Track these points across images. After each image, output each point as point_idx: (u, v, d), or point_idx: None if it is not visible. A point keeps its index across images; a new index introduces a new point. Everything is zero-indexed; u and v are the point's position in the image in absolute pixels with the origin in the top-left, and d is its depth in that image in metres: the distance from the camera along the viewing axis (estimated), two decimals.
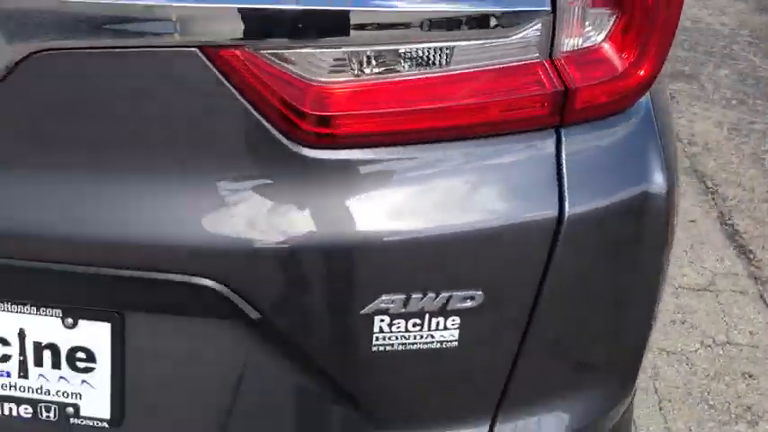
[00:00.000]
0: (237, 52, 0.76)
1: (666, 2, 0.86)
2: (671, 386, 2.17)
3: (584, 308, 0.95)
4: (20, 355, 0.94)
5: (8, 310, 0.92)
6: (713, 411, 2.10)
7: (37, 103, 0.81)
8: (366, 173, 0.83)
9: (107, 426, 0.95)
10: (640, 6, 0.85)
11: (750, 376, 2.20)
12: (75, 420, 0.95)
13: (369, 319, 0.86)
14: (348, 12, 0.77)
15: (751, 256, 2.73)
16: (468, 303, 0.87)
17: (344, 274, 0.85)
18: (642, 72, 0.88)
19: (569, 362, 0.99)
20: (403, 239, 0.85)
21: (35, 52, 0.76)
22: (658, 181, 0.91)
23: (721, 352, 2.30)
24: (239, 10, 0.75)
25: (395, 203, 0.84)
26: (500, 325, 0.91)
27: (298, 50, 0.78)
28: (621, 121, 0.91)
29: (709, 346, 2.37)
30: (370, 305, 0.85)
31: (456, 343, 0.89)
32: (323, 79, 0.80)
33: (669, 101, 1.25)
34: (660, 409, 2.09)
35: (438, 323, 0.88)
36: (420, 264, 0.85)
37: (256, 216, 0.83)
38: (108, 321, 0.91)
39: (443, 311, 0.87)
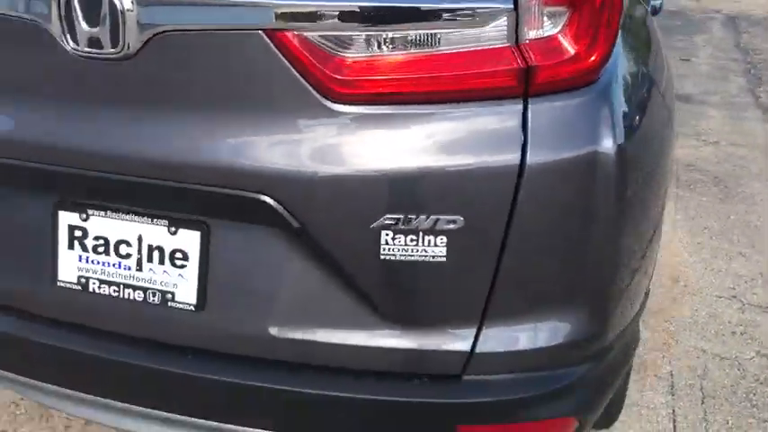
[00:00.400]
0: (289, 34, 1.12)
1: (610, 3, 1.14)
2: (717, 385, 2.30)
3: (545, 243, 1.21)
4: (138, 254, 1.32)
5: (132, 221, 1.31)
6: (755, 410, 2.21)
7: (159, 68, 1.20)
8: (376, 123, 1.16)
9: (193, 309, 1.31)
10: (588, 6, 1.13)
11: None
12: (172, 304, 1.32)
13: (377, 233, 1.18)
14: (366, 6, 1.11)
15: None
16: (452, 226, 1.17)
17: (359, 198, 1.17)
18: (593, 57, 1.16)
19: (536, 286, 1.25)
20: (401, 173, 1.16)
21: (158, 33, 1.16)
22: (607, 144, 1.17)
23: None
24: (290, 5, 1.11)
25: (396, 146, 1.16)
26: (479, 246, 1.19)
27: (333, 33, 1.13)
28: (581, 95, 1.18)
29: (765, 355, 2.47)
30: (377, 221, 1.17)
31: (444, 258, 1.19)
32: (348, 54, 1.13)
33: (659, 83, 1.49)
34: (702, 402, 2.22)
35: (429, 240, 1.18)
36: (414, 192, 1.16)
37: (299, 152, 1.17)
38: (198, 230, 1.28)
39: (433, 230, 1.17)
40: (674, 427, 2.12)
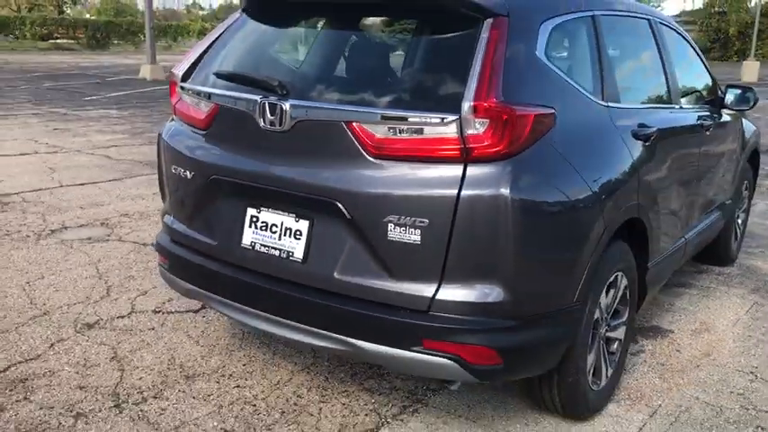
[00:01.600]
0: (354, 124, 2.37)
1: (513, 120, 2.25)
2: (692, 417, 3.02)
3: (473, 240, 2.28)
4: (279, 231, 2.60)
5: (278, 213, 2.60)
6: None
7: (298, 137, 2.52)
8: (391, 169, 2.34)
9: (300, 262, 2.54)
10: (499, 121, 2.25)
11: None
12: (291, 258, 2.56)
13: (385, 224, 2.34)
14: (386, 114, 2.33)
15: None
16: (422, 224, 2.30)
17: (379, 205, 2.34)
18: (500, 147, 2.26)
19: (471, 265, 2.30)
20: (399, 194, 2.33)
21: (298, 121, 2.48)
22: (500, 189, 2.23)
23: None
24: (355, 112, 2.38)
25: (398, 180, 2.33)
26: (437, 237, 2.30)
27: (372, 124, 2.36)
28: (494, 164, 2.27)
29: (745, 407, 3.12)
30: (386, 218, 2.33)
31: (419, 242, 2.31)
32: (378, 135, 2.36)
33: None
34: (672, 424, 2.97)
35: (411, 231, 2.31)
36: (404, 204, 2.31)
37: (354, 180, 2.39)
38: (308, 220, 2.53)
39: (413, 226, 2.30)
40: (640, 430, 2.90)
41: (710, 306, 4.29)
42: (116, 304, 3.89)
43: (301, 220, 2.55)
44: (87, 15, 64.23)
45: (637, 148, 2.92)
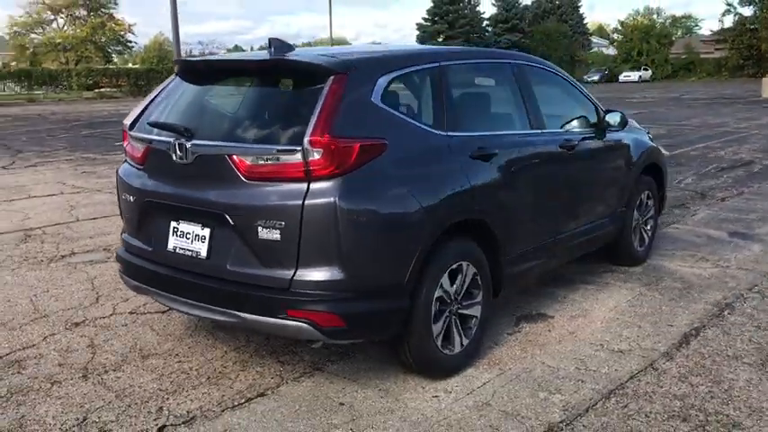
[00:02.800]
0: (234, 156, 3.31)
1: (339, 150, 3.16)
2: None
3: (313, 236, 3.17)
4: (191, 237, 3.54)
5: (190, 223, 3.53)
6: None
7: (198, 167, 3.47)
8: (263, 186, 3.27)
9: (205, 259, 3.47)
10: (329, 151, 3.16)
11: None
12: (199, 256, 3.49)
13: (256, 227, 3.27)
14: (252, 149, 3.27)
15: None
16: (281, 226, 3.19)
17: (251, 212, 3.27)
18: (331, 169, 3.16)
19: (315, 254, 3.17)
20: (263, 205, 3.25)
21: (197, 156, 3.44)
22: (328, 199, 3.12)
23: None
24: (236, 149, 3.33)
25: (258, 194, 3.26)
26: (291, 236, 3.18)
27: (248, 155, 3.30)
28: (328, 181, 3.16)
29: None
30: (256, 222, 3.26)
31: (279, 238, 3.22)
32: (250, 162, 3.29)
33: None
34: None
35: (273, 231, 3.21)
36: (265, 211, 3.22)
37: (233, 195, 3.32)
38: (210, 228, 3.46)
39: (274, 227, 3.20)
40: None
41: (599, 297, 5.06)
42: (101, 309, 4.86)
43: (205, 228, 3.48)
44: (130, 64, 67.23)
45: (473, 166, 3.78)
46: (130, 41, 67.89)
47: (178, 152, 3.46)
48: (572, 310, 4.81)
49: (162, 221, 3.65)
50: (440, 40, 64.38)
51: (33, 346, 4.25)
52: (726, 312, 4.71)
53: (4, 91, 46.94)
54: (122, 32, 65.48)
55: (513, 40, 66.38)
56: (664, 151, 7.05)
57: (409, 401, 3.53)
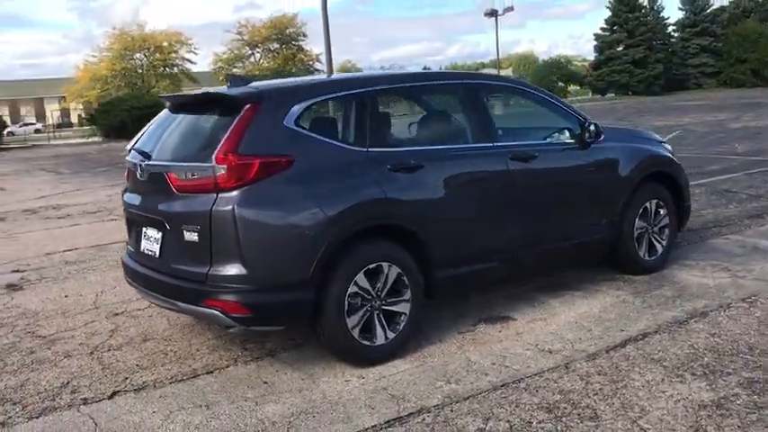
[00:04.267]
0: (171, 173, 4.09)
1: (239, 167, 3.81)
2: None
3: (222, 237, 3.84)
4: (152, 240, 4.35)
5: (152, 229, 4.35)
6: None
7: (148, 180, 4.29)
8: (186, 194, 4.00)
9: (158, 256, 4.27)
10: (230, 168, 3.82)
11: None
12: (155, 255, 4.29)
13: (181, 229, 4.01)
14: (173, 165, 4.02)
15: None
16: (197, 228, 3.92)
17: (175, 215, 4.01)
18: (232, 182, 3.82)
19: (224, 251, 3.83)
20: (184, 211, 3.98)
21: (150, 174, 4.26)
22: (228, 205, 3.78)
23: None
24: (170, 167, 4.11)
25: (176, 201, 3.99)
26: (204, 236, 3.87)
27: (178, 175, 4.06)
28: (232, 192, 3.82)
29: None
30: (178, 221, 4.01)
31: (197, 239, 3.92)
32: (176, 177, 4.04)
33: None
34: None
35: (191, 233, 3.93)
36: (185, 216, 3.95)
37: (170, 204, 4.08)
38: (161, 231, 4.25)
39: (192, 229, 3.93)
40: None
41: (576, 303, 5.21)
42: (141, 303, 5.83)
43: (159, 232, 4.27)
44: None
45: (392, 178, 4.24)
46: (318, 70, 72.36)
47: (139, 171, 4.29)
48: (539, 314, 5.03)
49: (138, 228, 4.50)
50: (619, 49, 62.03)
51: (73, 329, 5.28)
52: (693, 320, 4.71)
53: None
54: (310, 62, 70.00)
55: (703, 45, 62.29)
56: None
57: (323, 384, 4.06)
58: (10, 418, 3.84)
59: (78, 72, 60.42)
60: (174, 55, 62.64)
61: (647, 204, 5.75)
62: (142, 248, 4.43)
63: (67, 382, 4.28)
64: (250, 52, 69.42)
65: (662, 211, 5.87)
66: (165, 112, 4.70)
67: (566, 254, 5.32)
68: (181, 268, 4.05)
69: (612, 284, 5.59)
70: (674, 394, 3.65)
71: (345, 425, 3.55)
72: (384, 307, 4.29)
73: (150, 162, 4.24)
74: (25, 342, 5.07)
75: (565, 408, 3.58)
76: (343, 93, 4.39)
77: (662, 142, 6.12)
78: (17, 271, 7.43)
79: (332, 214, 3.99)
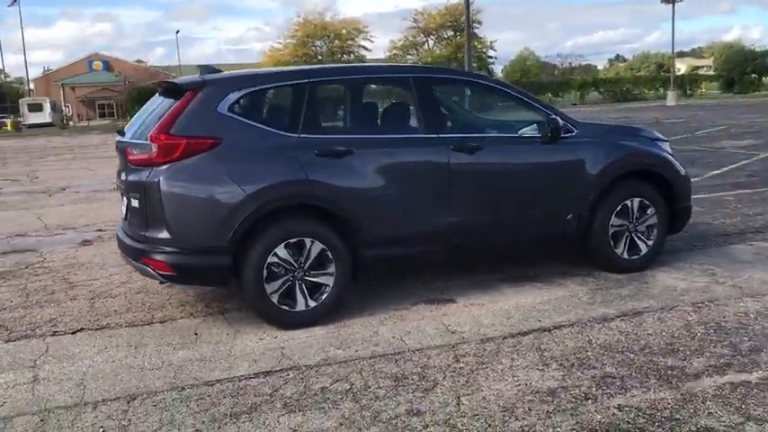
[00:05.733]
0: (128, 149, 4.83)
1: (168, 145, 4.47)
2: None
3: (152, 206, 4.51)
4: (126, 206, 5.13)
5: (125, 197, 5.14)
6: None
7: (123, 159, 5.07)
8: (133, 172, 4.72)
9: (126, 221, 5.03)
10: (159, 144, 4.48)
11: None
12: (126, 220, 5.07)
13: (130, 198, 4.74)
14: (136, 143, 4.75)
15: None
16: (138, 196, 4.63)
17: (133, 185, 4.75)
18: (163, 158, 4.47)
19: (160, 218, 4.50)
20: (135, 181, 4.70)
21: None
22: (157, 177, 4.44)
23: None
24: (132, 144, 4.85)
25: (138, 174, 4.71)
26: (142, 204, 4.57)
27: (135, 145, 4.79)
28: (162, 166, 4.49)
29: None
30: (131, 191, 4.74)
31: (138, 206, 4.65)
32: (131, 153, 4.77)
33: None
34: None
35: (136, 201, 4.67)
36: (133, 185, 4.68)
37: (126, 176, 4.83)
38: (127, 199, 5.02)
39: (136, 198, 4.66)
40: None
41: (528, 294, 5.33)
42: None
43: (125, 200, 5.02)
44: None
45: (316, 162, 4.68)
46: (490, 57, 72.09)
47: (116, 147, 5.08)
48: (481, 300, 5.24)
49: (122, 198, 5.30)
50: None
51: (96, 279, 6.26)
52: (620, 318, 4.73)
53: None
54: (484, 50, 69.89)
55: None
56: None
57: (240, 339, 4.62)
58: None
59: (264, 58, 64.86)
60: (350, 42, 65.36)
61: (628, 202, 5.69)
62: (125, 216, 5.20)
63: (54, 319, 5.18)
64: (424, 39, 70.65)
65: (649, 211, 5.78)
66: (153, 97, 5.45)
67: (521, 244, 5.46)
68: (133, 231, 4.78)
69: (579, 280, 5.63)
70: (521, 379, 3.81)
71: (222, 372, 4.09)
72: (307, 278, 4.75)
73: (120, 139, 5.00)
74: (54, 285, 6.10)
75: (412, 378, 3.88)
76: (280, 83, 4.90)
77: (656, 140, 5.98)
78: (99, 230, 8.67)
79: (250, 191, 4.52)
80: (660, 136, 6.17)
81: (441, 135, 5.12)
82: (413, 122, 5.13)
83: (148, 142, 4.52)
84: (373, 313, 5.02)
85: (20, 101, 60.36)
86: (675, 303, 4.98)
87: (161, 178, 4.45)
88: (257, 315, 4.80)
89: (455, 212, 5.14)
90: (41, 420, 3.57)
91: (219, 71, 5.14)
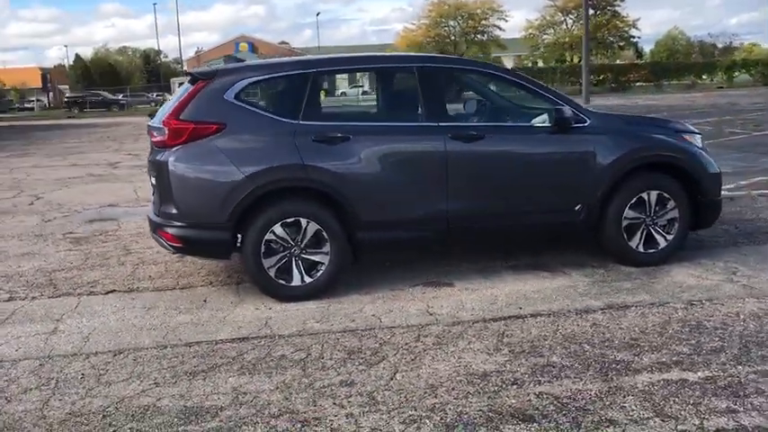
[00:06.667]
0: (152, 131, 5.38)
1: (173, 132, 4.96)
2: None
3: (174, 185, 5.02)
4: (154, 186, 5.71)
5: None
6: None
7: None
8: (156, 153, 5.26)
9: (152, 196, 5.61)
10: (170, 128, 4.98)
11: None
12: (155, 195, 5.65)
13: (153, 177, 5.29)
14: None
15: None
16: (156, 176, 5.17)
17: (151, 169, 5.29)
18: (173, 142, 4.96)
19: (168, 197, 5.04)
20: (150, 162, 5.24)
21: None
22: (165, 158, 4.95)
23: None
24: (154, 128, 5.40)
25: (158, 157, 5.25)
26: (159, 182, 5.11)
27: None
28: (172, 148, 4.99)
29: None
30: (152, 174, 5.29)
31: (156, 183, 5.19)
32: (155, 136, 5.30)
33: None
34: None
35: (155, 178, 5.21)
36: (154, 169, 5.22)
37: (152, 156, 5.38)
38: (153, 177, 5.59)
39: (154, 176, 5.20)
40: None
41: (529, 282, 5.41)
42: None
43: (153, 179, 5.58)
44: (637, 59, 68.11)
45: (312, 147, 5.01)
46: (633, 36, 68.92)
47: (147, 131, 5.66)
48: (479, 286, 5.38)
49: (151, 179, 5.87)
50: None
51: (150, 248, 6.93)
52: (603, 311, 4.74)
53: None
54: (626, 29, 66.93)
55: None
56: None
57: (240, 308, 5.06)
58: (17, 295, 5.51)
59: (398, 39, 65.60)
60: (485, 22, 64.69)
61: (644, 195, 5.60)
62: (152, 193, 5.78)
63: (96, 280, 5.87)
64: (562, 19, 68.59)
65: (669, 204, 5.66)
66: (184, 84, 5.98)
67: (526, 231, 5.54)
68: (155, 207, 5.33)
69: (588, 271, 5.63)
70: (464, 362, 3.98)
71: (206, 335, 4.54)
72: (304, 256, 5.11)
73: (149, 123, 5.56)
74: (114, 251, 6.87)
75: (365, 353, 4.15)
76: (284, 73, 5.25)
77: (683, 132, 5.80)
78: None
79: (248, 173, 4.92)
80: (690, 128, 5.99)
81: (440, 124, 5.28)
82: (413, 111, 5.32)
83: (162, 126, 5.02)
84: (370, 292, 5.29)
85: (171, 79, 64.68)
86: (669, 300, 4.90)
87: (171, 159, 4.94)
88: (255, 286, 5.21)
89: (452, 199, 5.29)
90: (40, 364, 4.16)
91: (243, 61, 5.56)
